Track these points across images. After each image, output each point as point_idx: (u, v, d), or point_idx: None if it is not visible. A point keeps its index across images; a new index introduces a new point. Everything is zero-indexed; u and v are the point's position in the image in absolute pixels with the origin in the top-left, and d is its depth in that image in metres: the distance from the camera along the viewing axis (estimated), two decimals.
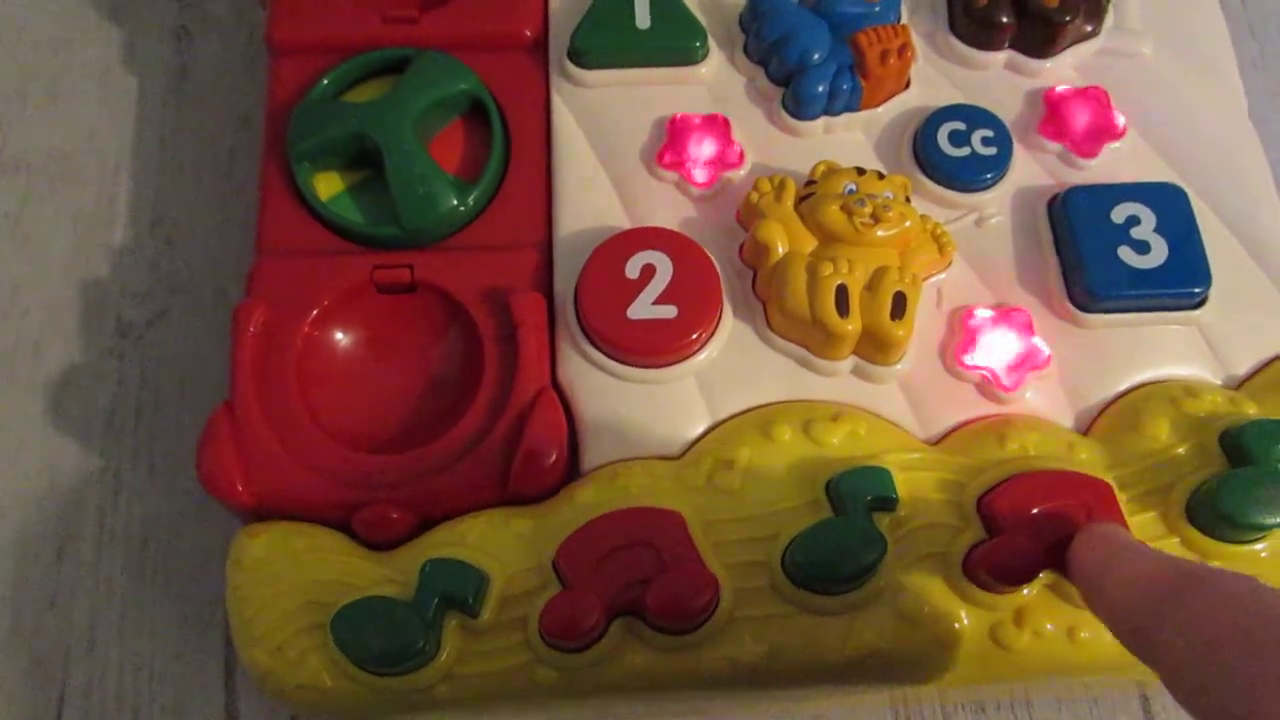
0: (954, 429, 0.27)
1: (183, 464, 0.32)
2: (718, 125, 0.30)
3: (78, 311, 0.34)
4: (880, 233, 0.26)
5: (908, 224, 0.27)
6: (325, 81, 0.30)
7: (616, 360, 0.27)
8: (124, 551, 0.31)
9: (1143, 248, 0.27)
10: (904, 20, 0.31)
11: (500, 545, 0.25)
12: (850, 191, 0.27)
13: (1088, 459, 0.26)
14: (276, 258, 0.29)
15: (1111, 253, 0.27)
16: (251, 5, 0.39)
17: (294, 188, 0.30)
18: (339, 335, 0.28)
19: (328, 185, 0.30)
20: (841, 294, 0.26)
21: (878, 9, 0.30)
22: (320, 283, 0.28)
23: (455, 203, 0.29)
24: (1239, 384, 0.27)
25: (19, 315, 0.34)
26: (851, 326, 0.26)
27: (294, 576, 0.25)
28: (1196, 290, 0.27)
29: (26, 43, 0.38)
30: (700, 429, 0.27)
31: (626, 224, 0.29)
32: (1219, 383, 0.27)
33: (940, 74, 0.31)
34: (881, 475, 0.24)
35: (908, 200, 0.28)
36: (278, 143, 0.30)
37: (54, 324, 0.34)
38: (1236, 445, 0.25)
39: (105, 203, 0.36)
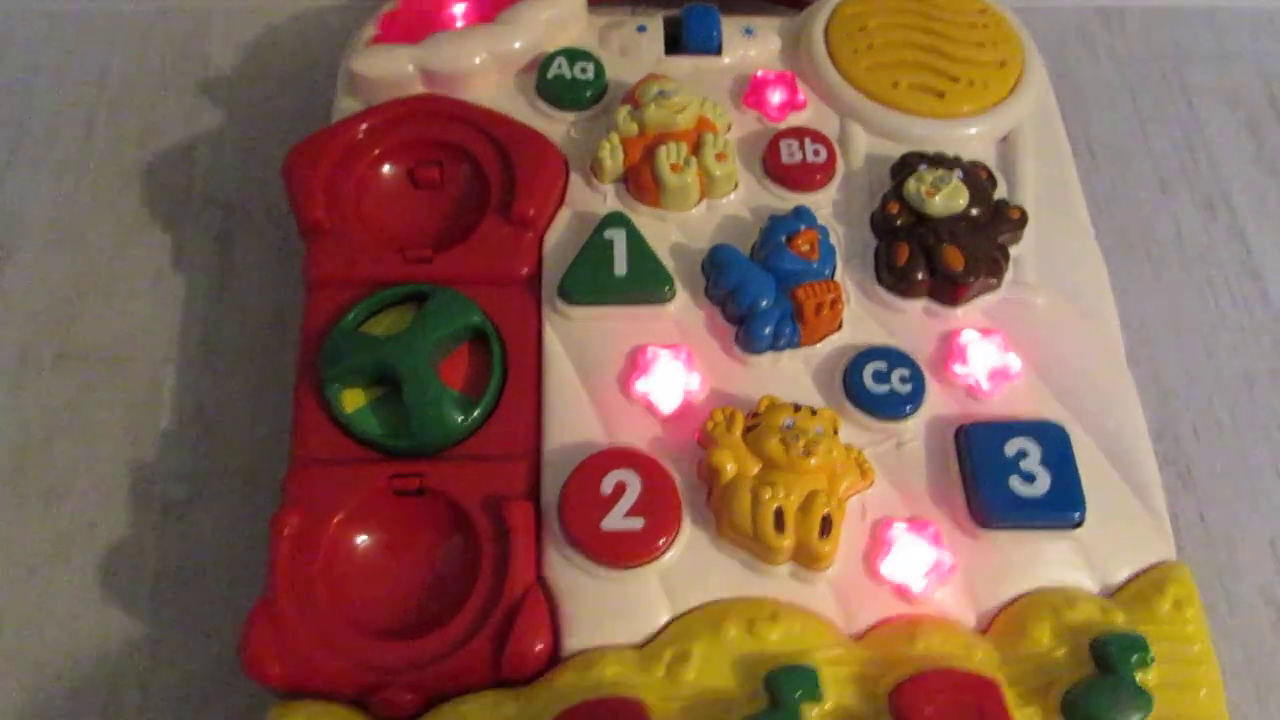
0: (874, 626, 0.32)
1: (216, 632, 0.36)
2: (681, 355, 0.35)
3: (127, 491, 0.38)
4: (812, 462, 0.32)
5: (834, 455, 0.32)
6: (352, 314, 0.36)
7: (593, 562, 0.32)
8: (163, 710, 0.35)
9: (1029, 478, 0.33)
10: (840, 272, 0.37)
11: None
12: (788, 426, 0.33)
13: (983, 658, 0.31)
14: (308, 466, 0.34)
15: (1004, 481, 0.33)
16: (287, 213, 0.45)
17: (324, 403, 0.35)
18: (360, 536, 0.33)
19: (352, 399, 0.35)
20: (779, 516, 0.31)
21: (815, 265, 0.36)
22: (344, 490, 0.33)
23: (460, 419, 0.34)
24: (1113, 592, 0.32)
25: (78, 495, 0.38)
26: (787, 543, 0.31)
27: None
28: (1073, 515, 0.33)
29: (89, 246, 0.44)
30: (663, 620, 0.32)
31: (604, 440, 0.34)
32: (1096, 590, 0.32)
33: (869, 315, 0.37)
34: (809, 674, 0.29)
35: (836, 432, 0.33)
36: (311, 363, 0.35)
37: (106, 503, 0.38)
38: (1103, 654, 0.30)
39: (154, 391, 0.40)
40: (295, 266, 0.43)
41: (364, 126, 0.39)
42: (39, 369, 0.41)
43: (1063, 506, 0.33)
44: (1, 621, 0.36)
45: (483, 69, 0.40)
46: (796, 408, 0.33)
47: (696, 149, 0.38)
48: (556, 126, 0.40)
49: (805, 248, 0.36)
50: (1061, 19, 0.52)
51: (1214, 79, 0.51)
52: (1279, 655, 0.36)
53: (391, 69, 0.39)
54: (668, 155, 0.37)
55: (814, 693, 0.29)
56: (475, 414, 0.35)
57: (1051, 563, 0.33)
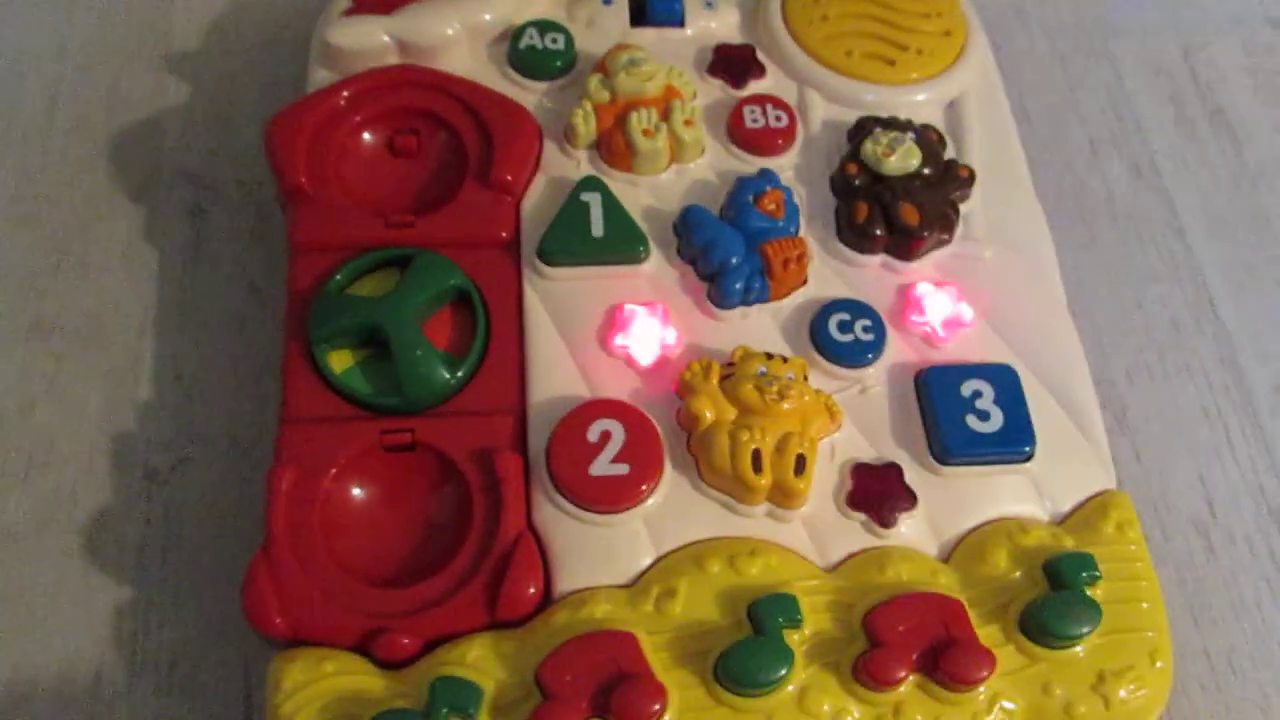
0: (845, 559, 0.34)
1: (205, 592, 0.37)
2: (657, 312, 0.37)
3: (109, 460, 0.39)
4: (785, 406, 0.34)
5: (806, 399, 0.34)
6: (339, 277, 0.37)
7: (580, 508, 0.34)
8: (154, 673, 0.35)
9: (984, 416, 0.35)
10: (803, 230, 0.39)
11: (491, 664, 0.31)
12: (761, 373, 0.35)
13: (946, 583, 0.33)
14: (299, 425, 0.35)
15: (961, 420, 0.35)
16: (259, 185, 0.45)
17: (312, 364, 0.36)
18: (354, 489, 0.34)
19: (340, 360, 0.36)
20: (756, 457, 0.33)
21: (781, 223, 0.38)
22: (337, 446, 0.34)
23: (447, 377, 0.36)
24: (1062, 519, 0.35)
25: (58, 465, 0.39)
26: (764, 482, 0.33)
27: (325, 695, 0.30)
28: (1025, 449, 0.35)
29: (60, 220, 0.44)
30: (648, 561, 0.33)
31: (586, 394, 0.36)
32: (1046, 519, 0.35)
33: (832, 271, 0.39)
34: (789, 601, 0.32)
35: (805, 378, 0.35)
36: (298, 326, 0.36)
37: (88, 472, 0.39)
38: (1055, 573, 0.33)
39: (131, 362, 0.41)
40: (268, 236, 0.44)
41: (344, 94, 0.40)
42: (12, 341, 0.41)
43: (1015, 442, 0.35)
44: None
45: (455, 40, 0.41)
46: (769, 356, 0.35)
47: (666, 115, 0.40)
48: (528, 96, 0.42)
49: (771, 207, 0.38)
50: None
51: (1138, 49, 0.54)
52: (1209, 578, 0.39)
53: (366, 40, 0.40)
54: (639, 121, 0.39)
55: (794, 619, 0.31)
56: (461, 372, 0.36)
57: (1006, 495, 0.35)
